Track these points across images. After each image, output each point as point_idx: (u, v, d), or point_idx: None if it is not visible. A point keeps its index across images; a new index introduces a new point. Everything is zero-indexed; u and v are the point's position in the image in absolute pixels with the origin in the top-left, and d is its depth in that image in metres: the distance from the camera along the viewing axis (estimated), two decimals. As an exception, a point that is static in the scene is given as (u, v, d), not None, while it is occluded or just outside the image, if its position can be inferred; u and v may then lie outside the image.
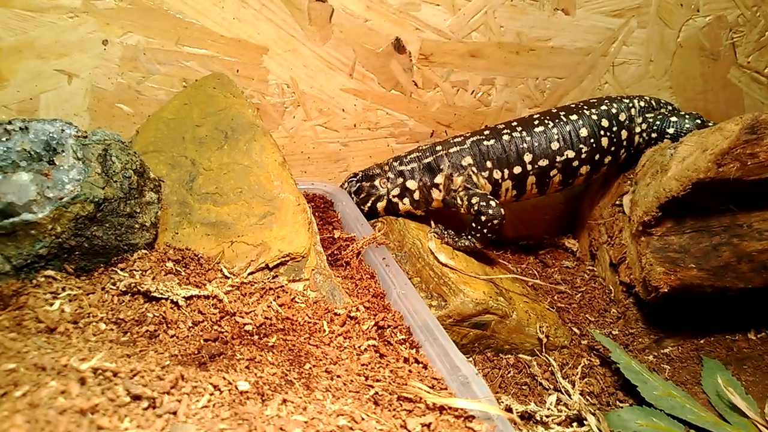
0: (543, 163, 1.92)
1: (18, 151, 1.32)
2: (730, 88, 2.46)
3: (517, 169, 1.92)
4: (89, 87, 1.84)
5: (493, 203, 1.80)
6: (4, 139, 1.32)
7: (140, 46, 1.84)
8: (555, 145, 1.92)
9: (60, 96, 1.83)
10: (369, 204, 2.01)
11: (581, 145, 1.94)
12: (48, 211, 1.22)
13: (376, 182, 1.99)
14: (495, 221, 1.79)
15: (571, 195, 2.48)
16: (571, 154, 1.93)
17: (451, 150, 1.93)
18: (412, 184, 1.95)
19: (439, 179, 1.92)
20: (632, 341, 1.88)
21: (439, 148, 1.95)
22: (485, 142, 1.92)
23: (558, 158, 1.93)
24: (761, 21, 2.36)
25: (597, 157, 1.97)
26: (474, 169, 1.90)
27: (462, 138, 1.96)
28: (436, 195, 1.94)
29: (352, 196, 2.01)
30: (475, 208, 1.81)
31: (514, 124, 1.97)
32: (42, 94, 1.81)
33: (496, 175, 1.92)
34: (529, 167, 1.92)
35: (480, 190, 1.88)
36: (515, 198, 1.99)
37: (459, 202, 1.88)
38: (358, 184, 2.02)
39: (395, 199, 1.98)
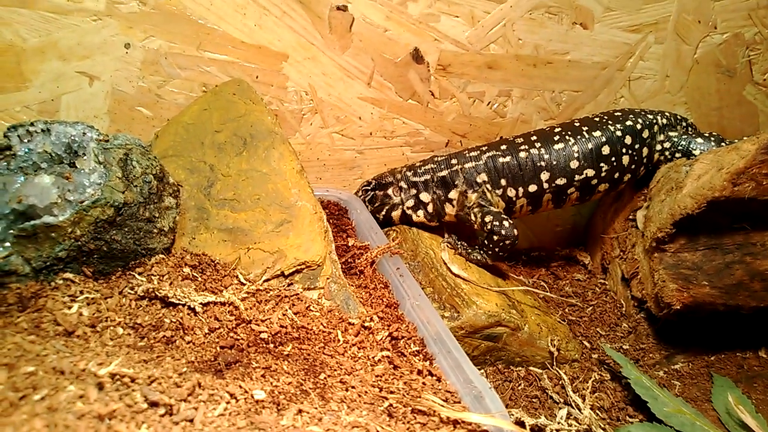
0: (561, 182, 1.89)
1: (39, 152, 1.33)
2: (746, 105, 2.46)
3: (533, 188, 1.88)
4: (110, 89, 1.86)
5: (506, 224, 1.78)
6: (26, 140, 1.34)
7: (162, 50, 1.85)
8: (574, 164, 1.88)
9: (81, 98, 1.84)
10: (383, 213, 2.01)
11: (602, 164, 1.89)
12: (69, 214, 1.24)
13: (389, 191, 1.98)
14: (507, 242, 1.78)
15: (584, 208, 2.48)
16: (590, 172, 1.89)
17: (466, 165, 1.89)
18: (425, 197, 1.93)
19: (453, 195, 1.90)
20: (643, 356, 1.88)
21: (454, 161, 1.92)
22: (501, 159, 1.88)
23: (577, 177, 1.89)
24: (779, 39, 2.36)
25: (617, 175, 1.93)
26: (488, 186, 1.88)
27: (478, 152, 1.92)
28: (450, 210, 1.92)
29: (367, 204, 2.00)
30: (488, 227, 1.79)
31: (533, 138, 1.92)
32: (63, 96, 1.82)
33: (511, 193, 1.89)
34: (545, 185, 1.89)
35: (494, 208, 1.85)
36: (530, 212, 1.97)
37: (473, 218, 1.86)
38: (371, 193, 2.00)
39: (409, 211, 1.97)
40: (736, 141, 1.84)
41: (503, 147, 1.91)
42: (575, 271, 2.27)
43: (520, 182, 1.88)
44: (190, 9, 1.82)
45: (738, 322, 1.87)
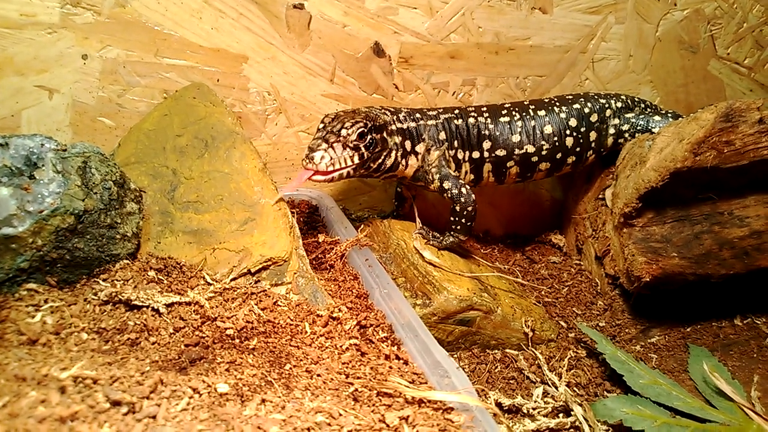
0: (500, 153, 1.92)
1: (-1, 167, 1.33)
2: (711, 79, 2.48)
3: (476, 154, 1.92)
4: (70, 102, 1.86)
5: (464, 190, 1.80)
6: (-16, 156, 1.33)
7: (120, 59, 1.85)
8: (516, 138, 1.91)
9: (41, 111, 1.84)
10: (380, 160, 1.75)
11: (543, 142, 1.93)
12: (28, 225, 1.24)
13: (385, 134, 1.75)
14: (469, 208, 1.80)
15: (556, 191, 2.49)
16: (531, 149, 1.93)
17: (429, 122, 1.88)
18: (408, 146, 1.83)
19: (420, 148, 1.85)
20: (619, 332, 1.89)
21: (418, 116, 1.89)
22: (455, 121, 1.90)
23: (517, 151, 1.92)
24: (738, 12, 2.39)
25: (559, 155, 1.97)
26: (447, 144, 1.89)
27: (435, 112, 1.92)
28: (412, 162, 1.84)
29: (363, 150, 1.67)
30: (448, 195, 1.81)
31: (484, 109, 1.96)
32: (23, 111, 1.82)
33: (460, 155, 1.91)
34: (486, 154, 1.92)
35: (453, 172, 1.87)
36: (473, 183, 1.98)
37: (430, 177, 1.86)
38: (369, 136, 1.68)
39: (399, 159, 1.81)
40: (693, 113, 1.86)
41: (456, 111, 1.94)
42: (550, 254, 2.29)
43: (467, 146, 1.91)
44: (146, 16, 1.83)
45: (712, 291, 1.89)
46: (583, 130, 1.98)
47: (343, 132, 1.64)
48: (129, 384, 1.00)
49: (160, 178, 1.60)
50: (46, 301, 1.24)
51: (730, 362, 1.78)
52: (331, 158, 1.62)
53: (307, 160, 1.60)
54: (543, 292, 2.05)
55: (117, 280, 1.33)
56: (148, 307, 1.25)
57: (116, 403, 0.94)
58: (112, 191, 1.39)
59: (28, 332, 1.15)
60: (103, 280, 1.34)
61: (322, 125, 1.70)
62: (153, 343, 1.19)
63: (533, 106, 1.97)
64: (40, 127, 1.84)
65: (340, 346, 1.27)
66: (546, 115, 1.95)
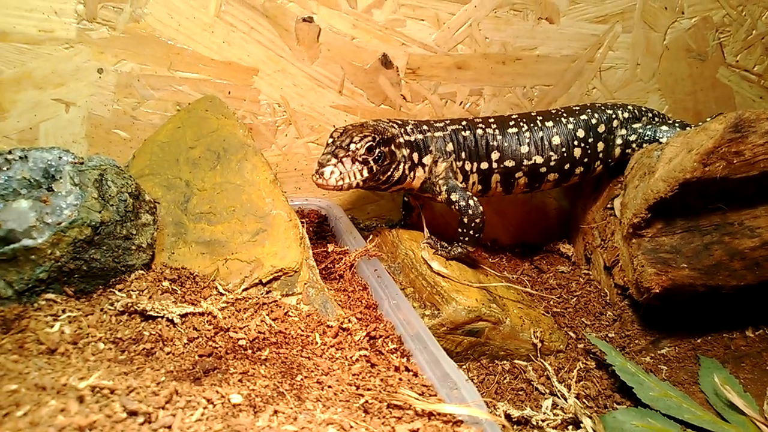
0: (509, 163, 1.93)
1: (18, 179, 1.36)
2: (720, 87, 2.49)
3: (484, 165, 1.93)
4: (86, 114, 1.90)
5: (471, 202, 1.81)
6: (5, 168, 1.37)
7: (134, 72, 1.89)
8: (524, 149, 1.93)
9: (58, 124, 1.88)
10: (389, 173, 1.77)
11: (551, 153, 1.95)
12: (47, 237, 1.27)
13: (393, 147, 1.77)
14: (477, 220, 1.81)
15: (563, 200, 2.50)
16: (539, 159, 1.95)
17: (436, 134, 1.90)
18: (416, 157, 1.85)
19: (427, 160, 1.86)
20: (629, 343, 1.89)
21: (425, 128, 1.90)
22: (463, 133, 1.92)
23: (525, 162, 1.94)
24: (747, 20, 2.39)
25: (567, 166, 1.98)
26: (454, 156, 1.90)
27: (443, 124, 1.94)
28: (420, 174, 1.86)
29: (371, 163, 1.69)
30: (456, 207, 1.82)
31: (491, 120, 1.97)
32: (41, 124, 1.86)
33: (467, 166, 1.92)
34: (495, 165, 1.93)
35: (460, 184, 1.88)
36: (480, 193, 1.99)
37: (437, 189, 1.87)
38: (377, 149, 1.69)
39: (407, 172, 1.83)
40: (700, 123, 1.87)
41: (464, 123, 1.95)
42: (559, 264, 2.29)
43: (476, 157, 1.92)
44: (159, 31, 1.86)
45: (723, 302, 1.89)
46: (590, 140, 1.99)
47: (352, 146, 1.66)
48: (145, 394, 1.02)
49: (173, 189, 1.62)
50: (64, 311, 1.26)
51: (742, 375, 1.76)
52: (341, 173, 1.64)
53: (317, 176, 1.63)
54: (551, 302, 2.06)
55: (132, 291, 1.36)
56: (162, 317, 1.28)
57: (133, 413, 0.96)
58: (128, 203, 1.42)
59: (47, 342, 1.17)
60: (119, 291, 1.36)
61: (330, 140, 1.73)
62: (168, 353, 1.21)
63: (541, 117, 1.99)
64: (57, 140, 1.88)
65: (350, 357, 1.29)
66: (554, 126, 1.96)
